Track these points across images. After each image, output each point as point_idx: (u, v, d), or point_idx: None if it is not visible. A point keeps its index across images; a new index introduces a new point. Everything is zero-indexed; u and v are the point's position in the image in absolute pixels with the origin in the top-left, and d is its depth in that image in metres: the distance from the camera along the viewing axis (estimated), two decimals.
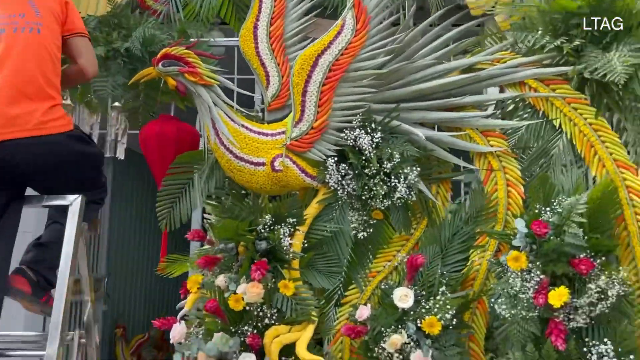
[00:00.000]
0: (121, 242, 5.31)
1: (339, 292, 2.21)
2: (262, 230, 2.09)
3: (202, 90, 2.20)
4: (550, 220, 1.87)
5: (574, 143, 2.03)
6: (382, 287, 2.12)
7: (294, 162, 2.16)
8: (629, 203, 1.90)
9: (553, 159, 2.09)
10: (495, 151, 2.13)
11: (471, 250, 2.14)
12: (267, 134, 2.19)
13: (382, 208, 2.15)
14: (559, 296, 1.75)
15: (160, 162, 2.39)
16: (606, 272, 1.75)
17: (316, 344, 2.14)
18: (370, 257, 2.22)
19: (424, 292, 2.04)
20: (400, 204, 2.15)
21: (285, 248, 2.06)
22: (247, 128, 2.19)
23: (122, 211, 5.21)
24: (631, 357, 1.71)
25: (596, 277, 1.75)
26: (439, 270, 2.08)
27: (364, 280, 2.19)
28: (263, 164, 2.16)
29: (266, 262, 2.01)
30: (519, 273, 1.87)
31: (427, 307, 1.96)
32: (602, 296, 1.75)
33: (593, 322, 1.83)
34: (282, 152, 2.15)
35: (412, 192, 2.12)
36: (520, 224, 1.88)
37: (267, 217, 2.11)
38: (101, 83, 2.33)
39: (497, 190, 2.12)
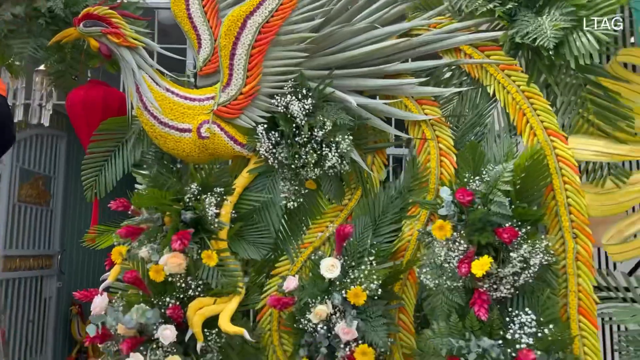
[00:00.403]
0: (77, 217, 5.17)
1: (271, 264, 2.16)
2: (188, 200, 2.01)
3: (125, 53, 2.09)
4: (478, 189, 1.83)
5: (508, 111, 1.98)
6: (312, 258, 2.07)
7: (222, 129, 2.07)
8: (557, 172, 1.86)
9: (487, 127, 2.04)
10: (429, 120, 2.08)
11: (403, 221, 2.10)
12: (194, 99, 2.10)
13: (314, 177, 2.08)
14: (481, 265, 1.71)
15: (87, 129, 2.28)
16: (529, 242, 1.72)
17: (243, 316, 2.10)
18: (304, 228, 2.17)
19: (353, 263, 2.00)
20: (332, 174, 2.09)
21: (210, 218, 1.99)
22: (172, 92, 2.09)
23: (78, 186, 5.05)
24: (550, 326, 1.68)
25: (519, 246, 1.72)
26: (369, 241, 2.04)
27: (295, 251, 2.13)
28: (189, 131, 2.07)
29: (189, 233, 1.94)
30: (445, 242, 1.83)
31: (353, 277, 1.91)
32: (525, 265, 1.73)
33: (518, 292, 1.80)
34: (209, 118, 2.07)
35: (344, 162, 2.06)
36: (445, 193, 1.83)
37: (193, 186, 2.03)
38: (22, 44, 2.20)
39: (429, 160, 2.07)
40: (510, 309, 1.78)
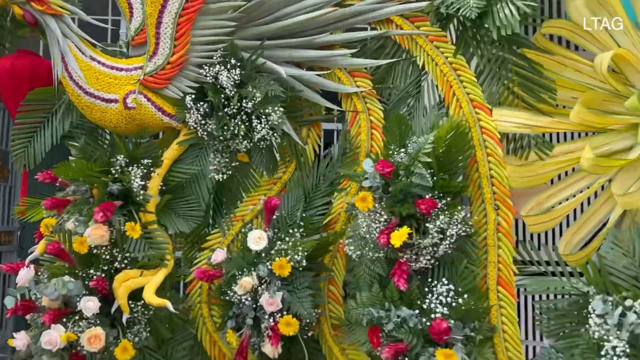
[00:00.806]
0: (39, 192, 5.07)
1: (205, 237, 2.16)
2: (115, 172, 1.99)
3: (50, 21, 2.03)
4: (402, 161, 1.83)
5: (436, 83, 1.96)
6: (243, 230, 2.07)
7: (149, 100, 2.04)
8: (481, 144, 1.86)
9: (418, 100, 2.03)
10: (361, 92, 2.06)
11: (335, 194, 2.09)
12: (121, 69, 2.05)
13: (245, 150, 2.06)
14: (399, 236, 1.72)
15: (14, 98, 2.23)
16: (446, 212, 1.72)
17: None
18: (237, 201, 2.16)
19: (283, 236, 1.99)
20: (264, 146, 2.07)
21: (135, 190, 1.96)
22: (98, 62, 2.04)
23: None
24: (465, 296, 1.70)
25: (437, 217, 1.72)
26: (299, 214, 2.04)
27: (227, 224, 2.13)
28: (115, 101, 2.03)
29: (112, 204, 1.91)
30: (367, 214, 1.83)
31: (277, 249, 1.91)
32: (443, 236, 1.73)
33: (438, 263, 1.82)
34: (135, 88, 2.03)
35: (275, 134, 2.04)
36: (367, 165, 1.83)
37: (119, 157, 2.00)
38: None
39: (361, 133, 2.06)
40: (430, 280, 1.80)
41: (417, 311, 1.75)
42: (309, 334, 1.98)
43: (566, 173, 1.85)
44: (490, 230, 1.84)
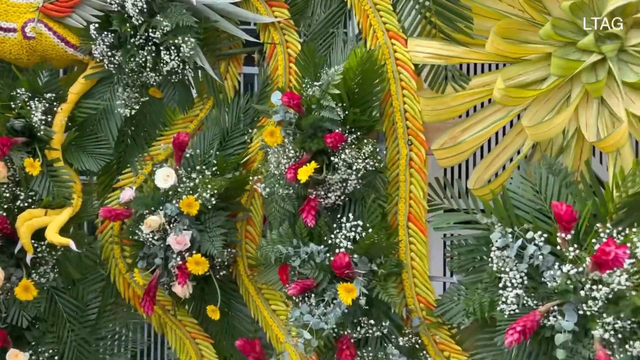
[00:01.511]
0: None
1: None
2: (14, 107, 1.88)
3: None
4: (313, 94, 1.74)
5: (354, 13, 1.87)
6: (155, 169, 1.98)
7: (50, 29, 1.91)
8: (395, 77, 1.78)
9: (337, 32, 1.93)
10: (278, 23, 1.95)
11: (253, 131, 2.01)
12: None
13: (154, 84, 1.96)
14: (306, 171, 1.66)
15: None
16: (353, 146, 1.66)
17: None
18: (151, 139, 2.07)
19: (193, 175, 1.91)
20: (176, 80, 1.97)
21: (36, 125, 1.86)
22: None
23: None
24: (369, 230, 1.66)
25: (344, 151, 1.66)
26: (212, 152, 1.96)
27: (140, 163, 2.04)
28: (14, 30, 1.90)
29: (10, 140, 1.82)
30: (277, 149, 1.76)
31: (184, 187, 1.84)
32: (351, 171, 1.68)
33: (349, 199, 1.77)
34: (34, 16, 1.90)
35: (188, 67, 1.93)
36: (276, 97, 1.75)
37: (20, 91, 1.89)
38: None
39: (278, 67, 1.97)
40: (340, 216, 1.75)
41: (324, 247, 1.71)
42: (222, 274, 1.94)
43: (482, 105, 1.79)
44: (402, 165, 1.78)
